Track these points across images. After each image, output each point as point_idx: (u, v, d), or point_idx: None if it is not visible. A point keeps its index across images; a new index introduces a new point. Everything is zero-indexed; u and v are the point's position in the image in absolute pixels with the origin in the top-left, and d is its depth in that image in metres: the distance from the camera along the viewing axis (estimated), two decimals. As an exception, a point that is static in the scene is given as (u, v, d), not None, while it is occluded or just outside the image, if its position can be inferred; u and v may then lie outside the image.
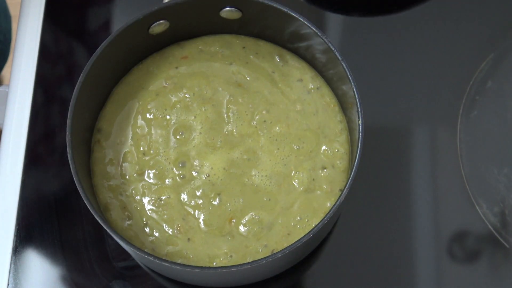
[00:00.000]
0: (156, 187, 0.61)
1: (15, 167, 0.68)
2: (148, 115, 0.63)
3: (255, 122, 0.63)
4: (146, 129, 0.63)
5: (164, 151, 0.62)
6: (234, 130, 0.62)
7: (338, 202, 0.55)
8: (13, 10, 1.01)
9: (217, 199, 0.60)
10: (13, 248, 0.65)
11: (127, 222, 0.60)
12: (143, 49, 0.65)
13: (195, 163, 0.61)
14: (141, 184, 0.61)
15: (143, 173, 0.62)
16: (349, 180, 0.56)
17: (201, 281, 0.61)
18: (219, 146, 0.62)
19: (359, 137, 0.57)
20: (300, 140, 0.62)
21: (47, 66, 0.72)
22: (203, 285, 0.63)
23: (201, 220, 0.60)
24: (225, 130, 0.63)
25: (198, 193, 0.61)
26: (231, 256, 0.59)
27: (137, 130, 0.63)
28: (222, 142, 0.62)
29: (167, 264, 0.54)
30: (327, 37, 0.59)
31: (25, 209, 0.67)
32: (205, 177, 0.61)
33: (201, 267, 0.54)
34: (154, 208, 0.61)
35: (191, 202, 0.61)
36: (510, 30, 0.72)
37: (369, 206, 0.67)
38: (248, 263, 0.54)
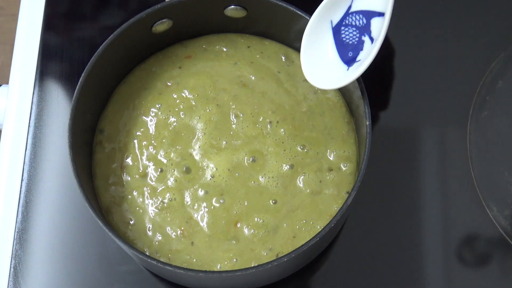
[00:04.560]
0: (159, 189, 0.60)
1: (15, 168, 0.68)
2: (151, 116, 0.63)
3: (260, 123, 0.62)
4: (149, 130, 0.62)
5: (167, 152, 0.61)
6: (239, 131, 0.62)
7: (345, 205, 0.55)
8: (13, 9, 1.00)
9: (222, 202, 0.60)
10: (12, 252, 0.65)
11: (130, 225, 0.60)
12: (146, 48, 0.64)
13: (199, 164, 0.61)
14: (144, 186, 0.61)
15: (145, 175, 0.61)
16: (356, 182, 0.55)
17: (205, 285, 0.61)
18: (224, 147, 0.61)
19: (366, 139, 0.56)
20: (307, 141, 0.61)
21: (47, 66, 0.72)
22: (207, 290, 0.63)
23: (205, 223, 0.59)
24: (230, 131, 0.62)
25: (202, 195, 0.60)
26: (235, 260, 0.59)
27: (140, 131, 0.62)
28: (227, 143, 0.61)
29: (170, 268, 0.54)
30: (334, 36, 0.59)
31: (25, 211, 0.66)
32: (210, 179, 0.60)
33: (205, 271, 0.54)
34: (157, 210, 0.60)
35: (194, 204, 0.60)
36: (521, 30, 0.72)
37: (376, 209, 0.66)
38: (253, 267, 0.54)
